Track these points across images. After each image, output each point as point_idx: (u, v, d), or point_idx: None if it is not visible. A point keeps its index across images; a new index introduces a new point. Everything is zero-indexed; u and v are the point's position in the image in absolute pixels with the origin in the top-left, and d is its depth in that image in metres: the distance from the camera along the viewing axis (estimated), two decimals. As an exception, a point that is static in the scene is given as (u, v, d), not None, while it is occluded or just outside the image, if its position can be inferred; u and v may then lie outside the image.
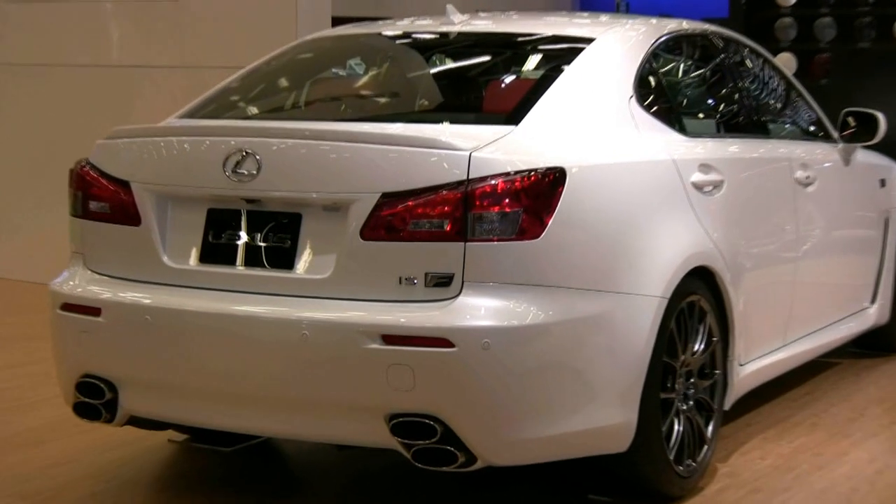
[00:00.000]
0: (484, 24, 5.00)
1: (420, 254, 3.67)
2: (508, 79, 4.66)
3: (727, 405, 4.63)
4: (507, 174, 3.68)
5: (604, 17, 5.11)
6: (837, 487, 4.50)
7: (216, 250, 3.95)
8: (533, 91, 4.20)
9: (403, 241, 3.68)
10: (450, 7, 4.91)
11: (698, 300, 4.33)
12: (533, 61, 4.66)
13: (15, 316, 7.33)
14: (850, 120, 5.89)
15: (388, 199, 3.69)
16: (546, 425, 3.78)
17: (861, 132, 5.87)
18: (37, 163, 8.35)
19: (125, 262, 4.07)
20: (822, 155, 5.70)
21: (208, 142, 4.01)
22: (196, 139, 4.07)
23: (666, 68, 4.85)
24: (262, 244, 3.89)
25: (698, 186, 4.44)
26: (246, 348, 3.82)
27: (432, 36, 4.95)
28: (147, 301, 3.96)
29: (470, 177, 3.65)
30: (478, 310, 3.64)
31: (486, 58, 4.82)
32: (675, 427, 4.24)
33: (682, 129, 4.61)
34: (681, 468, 4.25)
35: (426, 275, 3.67)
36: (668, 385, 4.19)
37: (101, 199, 4.12)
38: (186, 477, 4.60)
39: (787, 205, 5.20)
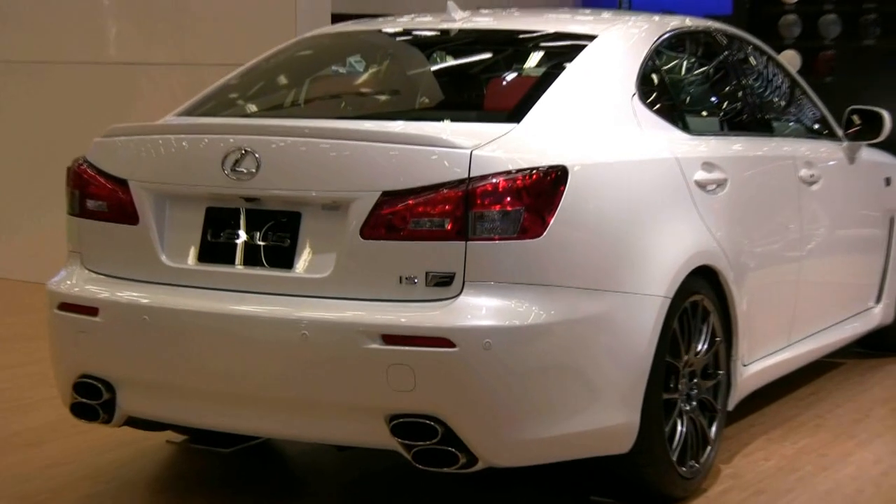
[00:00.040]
0: (485, 21, 4.99)
1: (420, 253, 3.67)
2: (510, 76, 4.66)
3: (731, 406, 4.62)
4: (509, 172, 3.67)
5: (606, 14, 5.11)
6: (842, 489, 4.49)
7: (215, 249, 3.95)
8: (534, 89, 4.20)
9: (404, 240, 3.67)
10: (451, 4, 4.91)
11: (701, 300, 4.33)
12: (534, 59, 4.66)
13: (15, 316, 7.33)
14: (855, 118, 5.89)
15: (389, 197, 3.69)
16: (548, 426, 3.77)
17: (866, 130, 5.87)
18: (36, 163, 8.35)
19: (123, 262, 4.07)
20: (827, 153, 5.70)
21: (207, 140, 4.01)
22: (194, 137, 4.06)
23: (669, 66, 4.85)
24: (262, 243, 3.89)
25: (701, 185, 4.43)
26: (245, 348, 3.81)
27: (433, 33, 4.95)
28: (145, 301, 3.95)
29: (471, 175, 3.65)
30: (479, 309, 3.64)
31: (488, 55, 4.81)
32: (678, 428, 4.24)
33: (685, 127, 4.61)
34: (684, 469, 4.24)
35: (427, 274, 3.66)
36: (671, 385, 4.18)
37: (99, 197, 4.11)
38: (185, 478, 4.59)
39: (791, 203, 5.19)
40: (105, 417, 4.08)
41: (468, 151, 3.67)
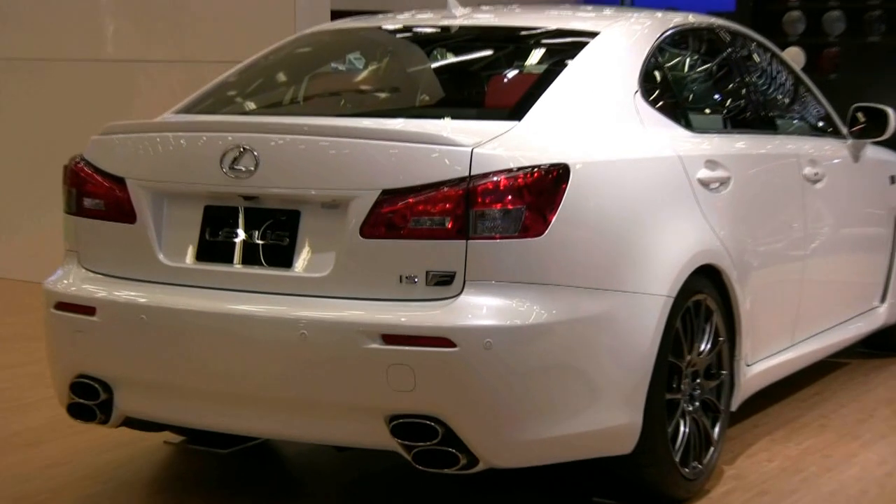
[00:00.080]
0: (486, 17, 4.99)
1: (421, 252, 3.67)
2: (511, 73, 4.66)
3: (734, 406, 4.62)
4: (510, 171, 3.67)
5: (608, 11, 5.10)
6: (846, 490, 4.49)
7: (213, 248, 3.94)
8: (536, 86, 4.19)
9: (404, 238, 3.67)
10: (451, 0, 4.90)
11: (704, 299, 4.32)
12: (536, 56, 4.66)
13: (15, 316, 7.34)
14: (860, 115, 5.89)
15: (389, 195, 3.68)
16: (549, 426, 3.77)
17: (871, 128, 5.86)
18: (36, 162, 8.35)
19: (120, 261, 4.06)
20: (831, 151, 5.69)
21: (205, 137, 4.00)
22: (192, 135, 4.06)
23: (672, 63, 4.84)
24: (260, 242, 3.88)
25: (704, 183, 4.43)
26: (243, 348, 3.81)
27: (433, 30, 4.95)
28: (142, 300, 3.95)
29: (472, 173, 3.64)
30: (480, 309, 3.63)
31: (489, 52, 4.81)
32: (681, 428, 4.24)
33: (688, 125, 4.60)
34: (687, 470, 4.24)
35: (427, 273, 3.66)
36: (674, 386, 4.18)
37: (96, 196, 4.11)
38: (183, 479, 4.59)
39: (795, 202, 5.19)
40: (102, 418, 4.08)
41: (469, 149, 3.67)
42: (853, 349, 6.22)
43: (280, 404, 3.83)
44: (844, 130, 5.88)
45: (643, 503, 4.23)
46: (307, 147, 3.84)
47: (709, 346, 4.38)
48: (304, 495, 4.52)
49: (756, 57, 5.49)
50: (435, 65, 4.87)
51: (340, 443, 3.96)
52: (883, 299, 6.20)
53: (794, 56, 8.91)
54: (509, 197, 3.65)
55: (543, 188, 3.71)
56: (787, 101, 5.73)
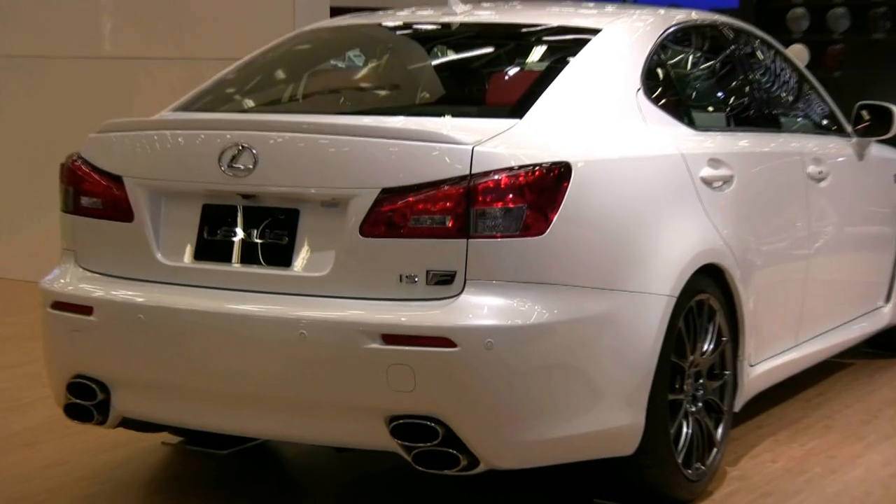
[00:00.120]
0: (487, 14, 4.99)
1: (421, 251, 3.66)
2: (512, 71, 4.66)
3: (737, 407, 4.62)
4: (511, 169, 3.67)
5: (610, 8, 5.10)
6: (851, 491, 4.49)
7: (211, 247, 3.94)
8: (537, 83, 4.19)
9: (404, 237, 3.67)
10: (452, -4, 4.91)
11: (707, 299, 4.32)
12: (537, 53, 4.65)
13: (15, 315, 7.35)
14: (864, 113, 5.88)
15: (389, 194, 3.68)
16: (551, 427, 3.77)
17: (875, 126, 5.86)
18: (36, 162, 8.36)
19: (118, 260, 4.06)
20: (836, 149, 5.69)
21: (203, 135, 4.00)
22: (190, 133, 4.06)
23: (674, 60, 4.84)
24: (259, 241, 3.88)
25: (707, 182, 4.43)
26: (242, 348, 3.81)
27: (434, 26, 4.94)
28: (140, 299, 3.95)
29: (472, 172, 3.64)
30: (480, 308, 3.63)
31: (490, 49, 4.81)
32: (684, 429, 4.23)
33: (690, 123, 4.60)
34: (689, 471, 4.24)
35: (427, 272, 3.66)
36: (677, 386, 4.18)
37: (93, 194, 4.11)
38: (181, 480, 4.59)
39: (799, 200, 5.19)
40: (99, 419, 4.08)
41: (470, 147, 3.66)
42: (858, 349, 6.22)
43: (279, 405, 3.83)
44: (849, 128, 5.88)
45: (645, 505, 4.23)
46: (306, 145, 3.84)
47: (712, 346, 4.38)
48: (303, 496, 4.52)
49: (759, 54, 5.49)
50: (435, 62, 4.87)
51: (340, 443, 3.96)
52: (887, 299, 6.20)
53: (798, 53, 8.92)
54: (510, 195, 3.65)
55: (545, 187, 3.71)
56: (790, 98, 5.73)
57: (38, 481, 4.53)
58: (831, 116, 5.87)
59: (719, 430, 4.45)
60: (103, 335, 4.01)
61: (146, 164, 4.06)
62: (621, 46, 4.49)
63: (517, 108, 4.03)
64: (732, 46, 5.27)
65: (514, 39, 4.75)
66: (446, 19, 4.82)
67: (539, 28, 4.70)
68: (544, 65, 4.47)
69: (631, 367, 3.92)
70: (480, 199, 3.63)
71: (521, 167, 3.68)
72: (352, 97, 4.91)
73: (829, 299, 5.55)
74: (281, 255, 3.84)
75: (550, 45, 4.63)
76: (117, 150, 4.13)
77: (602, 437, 3.90)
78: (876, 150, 6.04)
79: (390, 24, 5.10)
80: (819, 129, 5.76)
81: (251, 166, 3.82)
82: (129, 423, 4.18)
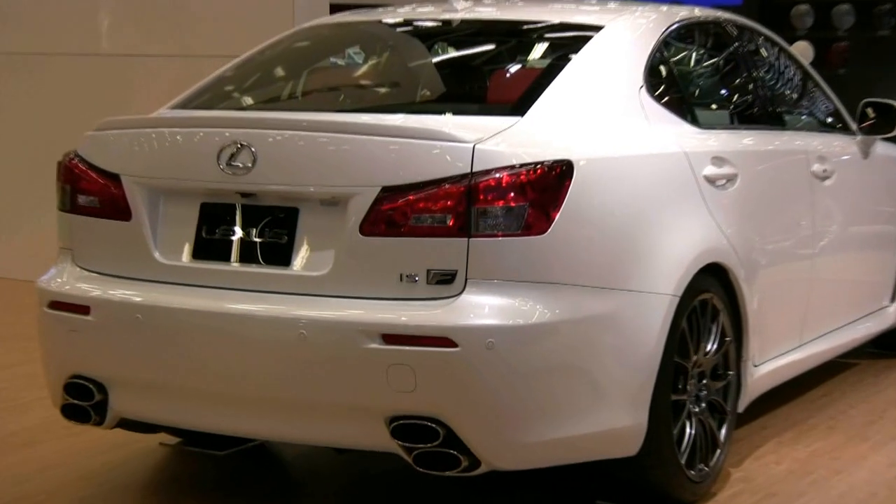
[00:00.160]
0: (488, 10, 4.99)
1: (422, 250, 3.66)
2: (514, 68, 4.66)
3: (741, 407, 4.62)
4: (513, 167, 3.67)
5: (613, 4, 5.10)
6: (855, 493, 4.49)
7: (210, 246, 3.94)
8: (539, 81, 4.19)
9: (404, 236, 3.67)
10: (452, -7, 4.91)
11: (711, 298, 4.32)
12: (539, 50, 4.66)
13: (15, 315, 7.36)
14: (870, 111, 5.88)
15: (389, 192, 3.68)
16: (552, 428, 3.77)
17: (881, 124, 5.86)
18: (36, 162, 8.34)
19: (115, 259, 4.06)
20: (840, 147, 5.69)
21: (201, 133, 4.00)
22: (189, 131, 4.06)
23: (677, 57, 4.84)
24: (258, 240, 3.88)
25: (711, 180, 4.43)
26: (241, 348, 3.81)
27: (434, 23, 4.94)
28: (138, 299, 3.95)
29: (474, 170, 3.64)
30: (482, 308, 3.63)
31: (491, 46, 4.81)
32: (687, 430, 4.23)
33: (694, 121, 4.60)
34: (692, 473, 4.24)
35: (428, 272, 3.66)
36: (680, 386, 4.18)
37: (91, 192, 4.11)
38: (178, 481, 4.59)
39: (804, 199, 5.19)
40: (97, 419, 4.08)
41: (471, 145, 3.67)
42: (863, 349, 6.22)
43: (278, 405, 3.83)
44: (854, 126, 5.88)
45: (648, 506, 4.23)
46: (306, 143, 3.84)
47: (715, 346, 4.38)
48: (302, 498, 4.52)
49: (763, 51, 5.49)
50: (436, 59, 4.87)
51: (339, 444, 3.96)
52: (893, 299, 6.20)
53: (803, 50, 8.93)
54: (512, 194, 3.65)
55: (547, 185, 3.71)
56: (795, 96, 5.73)
57: (36, 482, 4.53)
58: (836, 114, 5.87)
59: (723, 431, 4.45)
60: (101, 335, 4.01)
61: (144, 162, 4.06)
62: (624, 43, 4.49)
63: (519, 105, 4.03)
64: (736, 44, 5.27)
65: (515, 36, 4.76)
66: (447, 16, 4.83)
67: (541, 25, 4.70)
68: (546, 62, 4.47)
69: (633, 368, 3.92)
70: (482, 197, 3.63)
71: (522, 165, 3.68)
72: (352, 95, 4.91)
73: (833, 299, 5.55)
74: (280, 255, 3.84)
75: (552, 41, 4.63)
76: (115, 148, 4.13)
77: (604, 438, 3.91)
78: (881, 148, 6.04)
79: (390, 20, 5.10)
80: (824, 127, 5.76)
81: (250, 164, 3.82)
82: (126, 424, 4.18)
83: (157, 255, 3.98)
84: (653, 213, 4.08)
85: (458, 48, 4.92)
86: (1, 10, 8.55)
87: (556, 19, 4.71)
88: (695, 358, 4.26)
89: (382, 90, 4.96)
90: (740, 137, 4.93)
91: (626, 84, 4.33)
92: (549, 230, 3.69)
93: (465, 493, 4.40)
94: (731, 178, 4.55)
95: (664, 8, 4.95)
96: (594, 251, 3.85)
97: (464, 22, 4.80)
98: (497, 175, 3.65)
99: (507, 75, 4.61)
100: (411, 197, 3.66)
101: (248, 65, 4.83)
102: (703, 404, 4.34)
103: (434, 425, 3.63)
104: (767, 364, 4.84)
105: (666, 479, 4.14)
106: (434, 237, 3.65)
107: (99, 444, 4.85)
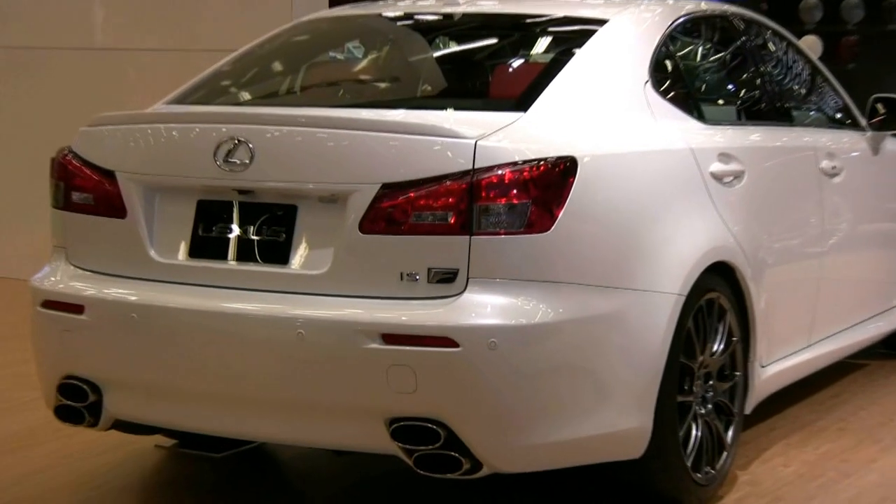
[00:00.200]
0: (490, 4, 4.98)
1: (422, 248, 3.66)
2: (516, 63, 4.65)
3: (748, 409, 4.61)
4: (515, 164, 3.66)
5: (618, -2, 5.10)
6: (866, 496, 4.48)
7: (206, 244, 3.94)
8: (542, 76, 4.18)
9: (405, 234, 3.66)
10: (454, -13, 4.90)
11: (717, 297, 4.32)
12: (542, 44, 4.65)
13: (15, 315, 7.36)
14: (880, 106, 5.88)
15: (389, 189, 3.68)
16: (556, 430, 3.76)
17: (891, 119, 5.86)
18: (35, 160, 8.35)
19: (110, 257, 4.06)
20: (850, 144, 5.69)
21: (198, 129, 4.00)
22: (185, 126, 4.05)
23: (683, 52, 4.84)
24: (255, 238, 3.88)
25: (717, 177, 4.42)
26: (238, 348, 3.80)
27: (435, 17, 4.94)
28: (133, 298, 3.95)
29: (475, 166, 3.64)
30: (483, 307, 3.63)
31: (493, 40, 4.81)
32: (693, 432, 4.23)
33: (700, 117, 4.60)
34: (699, 476, 4.23)
35: (429, 270, 3.66)
36: (686, 387, 4.17)
37: (85, 189, 4.11)
38: (174, 483, 4.60)
39: (812, 196, 5.19)
40: (91, 421, 4.08)
41: (472, 141, 3.66)
42: (873, 350, 6.21)
43: (276, 406, 3.82)
44: (863, 122, 5.88)
45: (653, 510, 4.23)
46: (304, 139, 3.83)
47: (722, 346, 4.38)
48: (300, 500, 4.52)
49: (771, 46, 5.49)
50: (437, 54, 4.87)
51: (339, 446, 3.96)
52: (903, 298, 6.20)
53: (811, 45, 8.91)
54: (514, 191, 3.64)
55: (550, 182, 3.70)
56: (803, 91, 5.72)
57: (31, 485, 4.54)
58: (845, 110, 5.86)
59: (730, 433, 4.45)
60: (95, 335, 4.00)
61: (139, 158, 4.06)
62: (629, 38, 4.48)
63: (521, 101, 4.02)
64: (743, 38, 5.26)
65: (518, 30, 4.75)
66: (448, 9, 4.82)
67: (544, 19, 4.69)
68: (549, 56, 4.47)
69: (638, 368, 3.92)
70: (483, 194, 3.62)
71: (525, 162, 3.67)
72: (351, 90, 4.90)
73: (842, 298, 5.55)
74: (278, 253, 3.84)
75: (556, 36, 4.62)
76: (109, 143, 4.12)
77: (608, 440, 3.90)
78: (891, 144, 6.04)
79: (391, 14, 5.10)
80: (833, 123, 5.75)
81: (247, 161, 3.82)
82: (121, 426, 4.18)
83: (152, 253, 3.98)
84: (658, 211, 4.08)
85: (459, 42, 4.92)
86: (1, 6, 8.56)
87: (559, 13, 4.71)
88: (701, 358, 4.26)
89: (382, 85, 4.96)
90: (747, 133, 4.92)
91: (630, 79, 4.33)
92: (553, 228, 3.69)
93: (466, 496, 4.39)
94: (738, 175, 4.55)
95: (670, 1, 4.94)
96: (598, 249, 3.84)
97: (465, 15, 4.79)
98: (499, 172, 3.64)
99: (510, 70, 4.60)
100: (412, 194, 3.65)
101: (246, 59, 4.83)
102: (710, 406, 4.34)
103: (435, 427, 3.63)
104: (775, 365, 4.84)
105: (671, 482, 4.14)
106: (435, 235, 3.65)
107: (95, 446, 4.85)
